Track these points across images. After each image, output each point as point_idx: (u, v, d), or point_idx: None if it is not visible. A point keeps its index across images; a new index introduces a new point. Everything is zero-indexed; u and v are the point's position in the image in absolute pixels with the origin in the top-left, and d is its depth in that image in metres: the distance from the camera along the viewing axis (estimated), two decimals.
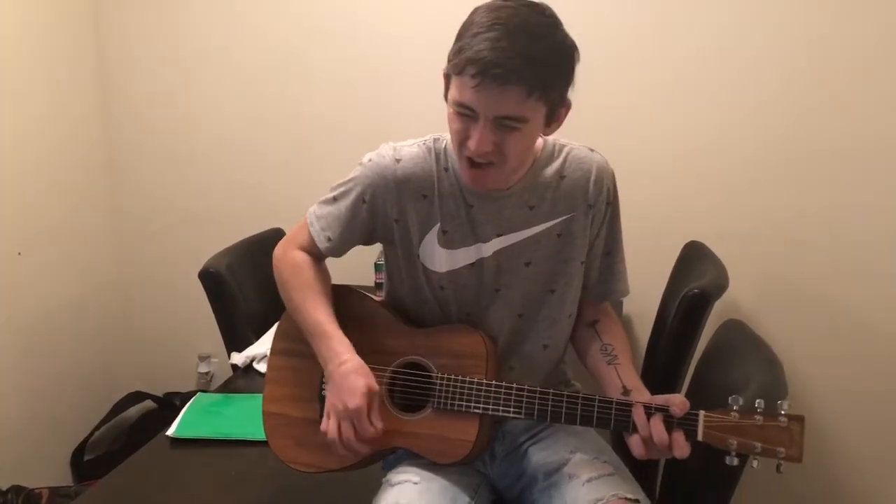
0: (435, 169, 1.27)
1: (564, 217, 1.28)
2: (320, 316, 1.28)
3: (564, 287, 1.32)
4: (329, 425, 1.22)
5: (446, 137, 1.29)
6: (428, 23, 2.46)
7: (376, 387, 1.22)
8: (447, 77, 1.16)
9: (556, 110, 1.16)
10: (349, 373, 1.21)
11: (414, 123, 2.47)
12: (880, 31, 2.20)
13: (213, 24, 2.63)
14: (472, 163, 1.16)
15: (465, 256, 1.28)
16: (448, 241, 1.28)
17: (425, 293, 1.32)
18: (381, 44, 2.53)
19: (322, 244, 1.33)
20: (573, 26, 1.16)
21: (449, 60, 1.13)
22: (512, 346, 1.33)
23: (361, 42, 2.54)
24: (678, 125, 2.36)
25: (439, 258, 1.29)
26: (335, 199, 1.32)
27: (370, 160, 1.29)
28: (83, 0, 2.64)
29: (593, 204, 1.29)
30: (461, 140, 1.15)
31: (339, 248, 1.34)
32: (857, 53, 2.23)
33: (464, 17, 1.15)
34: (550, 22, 1.12)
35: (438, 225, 1.27)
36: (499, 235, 1.27)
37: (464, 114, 1.12)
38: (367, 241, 1.35)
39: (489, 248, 1.28)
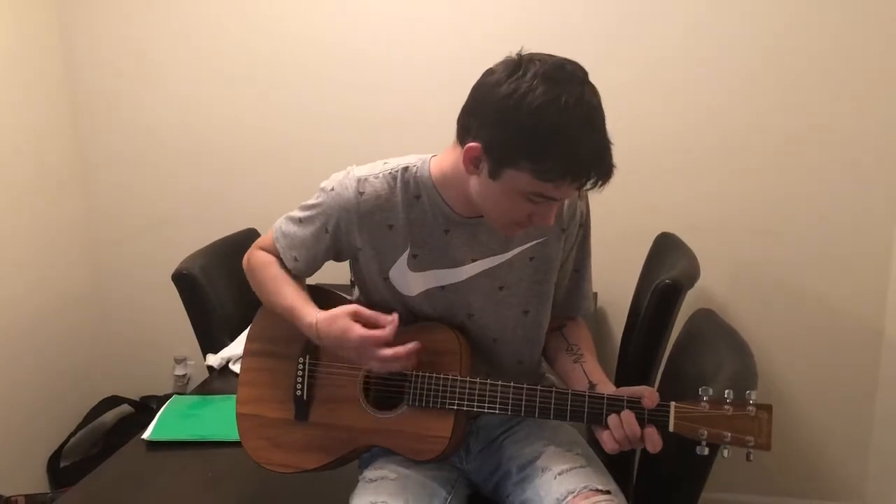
0: (401, 199, 1.25)
1: (538, 241, 1.29)
2: (291, 298, 1.29)
3: (539, 307, 1.33)
4: (365, 363, 1.23)
5: (417, 165, 1.26)
6: (403, 34, 2.46)
7: (350, 308, 1.22)
8: (495, 159, 1.10)
9: None
10: (328, 327, 1.22)
11: (386, 130, 2.51)
12: (850, 20, 2.22)
13: (185, 25, 2.60)
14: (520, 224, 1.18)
15: (436, 278, 1.28)
16: (418, 265, 1.27)
17: (396, 308, 1.31)
18: (357, 48, 2.51)
19: (289, 263, 1.33)
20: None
21: (521, 158, 1.07)
22: (487, 364, 1.33)
23: (336, 46, 2.52)
24: (648, 117, 2.37)
25: (408, 282, 1.28)
26: (301, 221, 1.32)
27: (333, 190, 1.27)
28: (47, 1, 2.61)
29: (566, 227, 1.30)
30: (521, 217, 1.15)
31: (305, 270, 1.35)
32: (826, 43, 2.25)
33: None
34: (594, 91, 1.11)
35: (408, 251, 1.27)
36: (474, 260, 1.27)
37: (537, 201, 1.12)
38: (336, 260, 1.35)
39: (464, 273, 1.27)
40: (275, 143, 2.64)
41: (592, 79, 1.11)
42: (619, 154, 2.48)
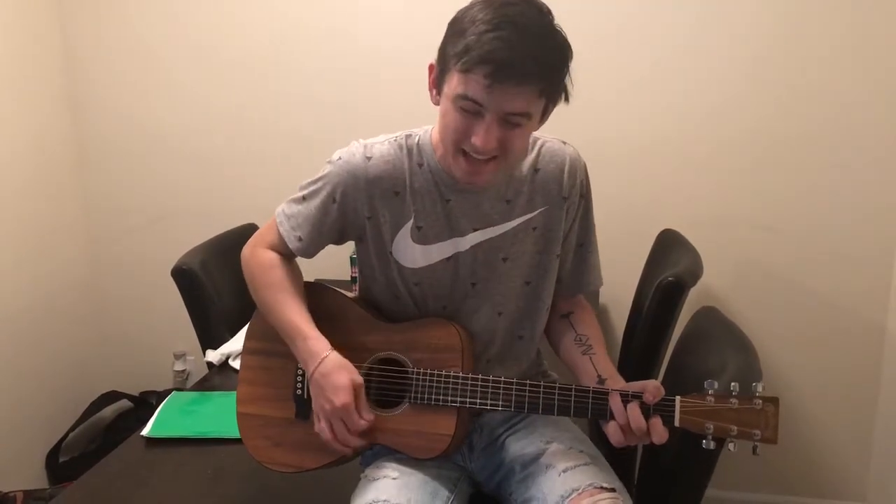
0: (407, 165, 1.26)
1: (539, 210, 1.28)
2: (294, 315, 1.26)
3: (540, 280, 1.32)
4: (321, 427, 1.22)
5: (419, 133, 1.28)
6: (404, 24, 2.45)
7: (359, 379, 1.21)
8: (440, 70, 1.14)
9: (551, 107, 1.17)
10: (330, 372, 1.20)
11: (387, 120, 2.45)
12: (851, 19, 2.22)
13: (185, 19, 2.59)
14: (468, 157, 1.14)
15: (440, 251, 1.27)
16: (422, 237, 1.27)
17: (399, 290, 1.30)
18: (357, 43, 2.50)
19: (293, 244, 1.31)
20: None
21: (449, 55, 1.10)
22: (487, 339, 1.32)
23: (336, 41, 2.51)
24: (652, 114, 2.37)
25: (413, 254, 1.27)
26: (304, 199, 1.30)
27: (340, 158, 1.27)
28: None
29: (567, 196, 1.29)
30: (460, 136, 1.12)
31: (309, 249, 1.32)
32: (827, 40, 2.24)
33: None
34: (551, 21, 1.11)
35: (412, 221, 1.26)
36: (476, 230, 1.26)
37: (467, 109, 1.09)
38: (338, 241, 1.34)
39: (466, 243, 1.27)
40: (273, 138, 2.62)
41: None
42: (621, 152, 2.47)
